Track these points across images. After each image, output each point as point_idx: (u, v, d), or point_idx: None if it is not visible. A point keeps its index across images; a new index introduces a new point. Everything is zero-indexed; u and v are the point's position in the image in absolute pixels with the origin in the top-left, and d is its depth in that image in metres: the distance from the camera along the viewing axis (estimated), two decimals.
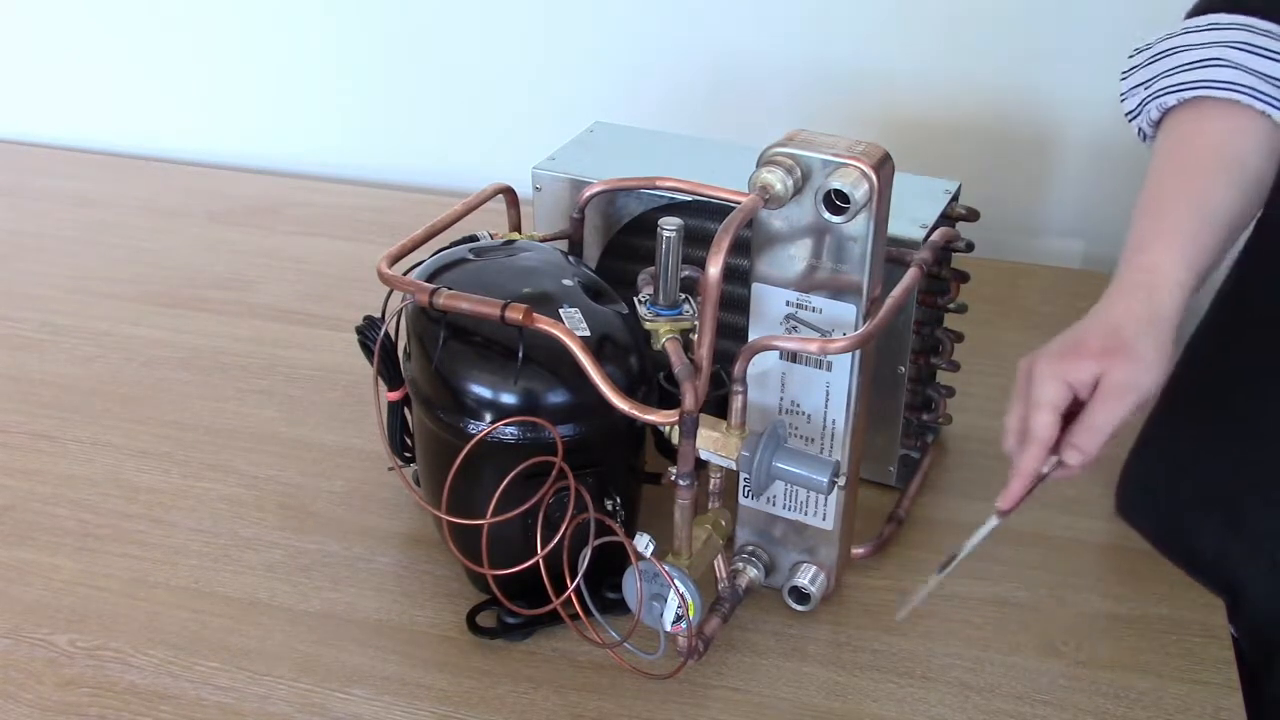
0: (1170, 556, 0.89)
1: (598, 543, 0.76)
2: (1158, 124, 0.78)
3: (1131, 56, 0.79)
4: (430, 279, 0.81)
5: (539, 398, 0.77)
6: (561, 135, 1.03)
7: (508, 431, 0.76)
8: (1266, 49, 0.72)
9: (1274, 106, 0.72)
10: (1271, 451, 0.82)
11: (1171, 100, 0.75)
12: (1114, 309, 0.71)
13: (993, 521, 0.75)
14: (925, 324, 0.93)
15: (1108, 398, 0.69)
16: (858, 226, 0.72)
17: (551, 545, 0.76)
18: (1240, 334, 0.85)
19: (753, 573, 0.84)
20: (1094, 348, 0.70)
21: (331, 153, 1.52)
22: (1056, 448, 0.71)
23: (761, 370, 0.79)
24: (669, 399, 0.77)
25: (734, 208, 0.71)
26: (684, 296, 0.78)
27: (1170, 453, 0.88)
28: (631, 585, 0.76)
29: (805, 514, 0.83)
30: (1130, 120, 0.79)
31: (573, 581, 0.76)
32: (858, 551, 0.89)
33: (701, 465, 0.76)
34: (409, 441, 0.89)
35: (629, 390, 0.76)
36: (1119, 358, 0.69)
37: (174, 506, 0.95)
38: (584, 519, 0.76)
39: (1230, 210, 0.72)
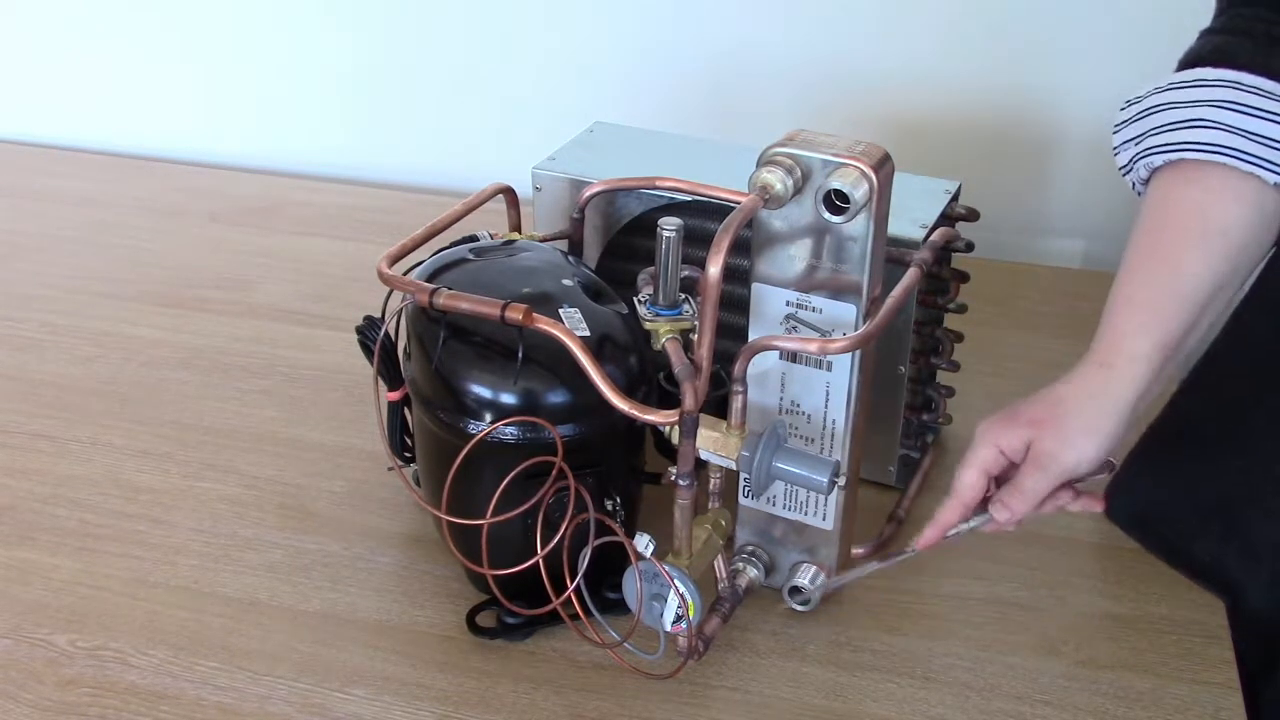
0: (1167, 561, 0.89)
1: (598, 543, 0.76)
2: (1146, 182, 0.76)
3: (1123, 109, 0.78)
4: (430, 279, 0.81)
5: (539, 398, 0.77)
6: (561, 135, 1.03)
7: (508, 431, 0.76)
8: (1254, 107, 0.70)
9: (1261, 166, 0.69)
10: (1271, 464, 0.82)
11: (1158, 160, 0.73)
12: (1068, 381, 0.74)
13: (908, 553, 0.79)
14: (925, 324, 0.93)
15: (1032, 465, 0.73)
16: (858, 226, 0.72)
17: (551, 545, 0.76)
18: (1242, 355, 0.85)
19: (753, 573, 0.84)
20: (1025, 417, 0.74)
21: (331, 153, 1.52)
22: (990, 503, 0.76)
23: (761, 370, 0.79)
24: (669, 399, 0.77)
25: (734, 208, 0.71)
26: (684, 296, 0.78)
27: (1168, 464, 0.89)
28: (631, 585, 0.76)
29: (805, 514, 0.83)
30: (1124, 175, 0.78)
31: (573, 581, 0.76)
32: (858, 551, 0.89)
33: (701, 465, 0.76)
34: (409, 441, 0.89)
35: (629, 390, 0.76)
36: (1046, 429, 0.73)
37: (174, 506, 0.95)
38: (584, 519, 0.76)
39: (1205, 280, 0.71)
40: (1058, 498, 0.76)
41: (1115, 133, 0.78)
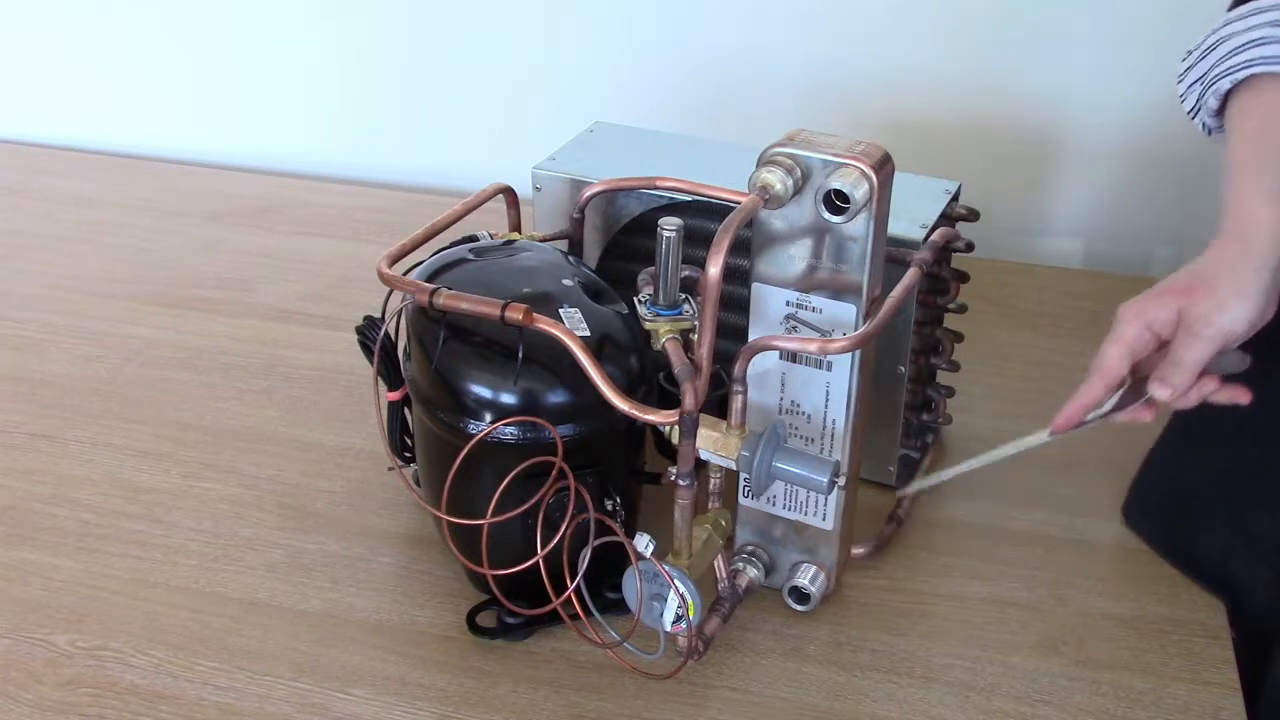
0: (1176, 565, 0.89)
1: (598, 543, 0.76)
2: (1217, 113, 0.78)
3: (1184, 59, 0.79)
4: (430, 279, 0.81)
5: (539, 398, 0.77)
6: (561, 135, 1.03)
7: (508, 431, 0.76)
8: None
9: None
10: (1279, 465, 0.83)
11: (1226, 84, 0.74)
12: (1205, 257, 0.73)
13: (1041, 439, 0.76)
14: (925, 324, 0.93)
15: (1186, 332, 0.71)
16: (858, 226, 0.72)
17: (551, 545, 0.76)
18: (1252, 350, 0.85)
19: (753, 573, 0.84)
20: (1173, 288, 0.72)
21: (331, 153, 1.52)
22: (1137, 389, 0.74)
23: (761, 370, 0.79)
24: (669, 399, 0.77)
25: (734, 208, 0.71)
26: (684, 296, 0.78)
27: (1175, 464, 0.89)
28: (631, 585, 0.76)
29: (805, 514, 0.83)
30: (1192, 118, 0.79)
31: (573, 581, 0.76)
32: (858, 551, 0.89)
33: (701, 465, 0.76)
34: (409, 441, 0.89)
35: (629, 390, 0.76)
36: (1197, 294, 0.71)
37: (174, 506, 0.95)
38: (584, 519, 0.76)
39: None
40: (1203, 385, 0.74)
41: (1180, 80, 0.80)
